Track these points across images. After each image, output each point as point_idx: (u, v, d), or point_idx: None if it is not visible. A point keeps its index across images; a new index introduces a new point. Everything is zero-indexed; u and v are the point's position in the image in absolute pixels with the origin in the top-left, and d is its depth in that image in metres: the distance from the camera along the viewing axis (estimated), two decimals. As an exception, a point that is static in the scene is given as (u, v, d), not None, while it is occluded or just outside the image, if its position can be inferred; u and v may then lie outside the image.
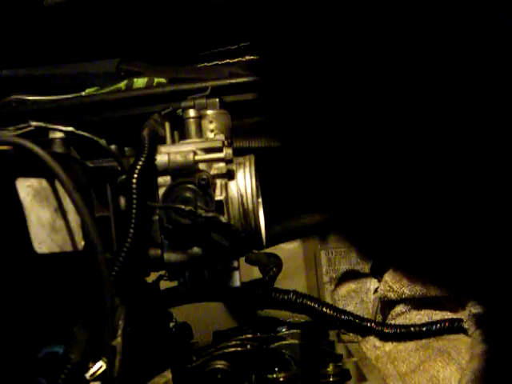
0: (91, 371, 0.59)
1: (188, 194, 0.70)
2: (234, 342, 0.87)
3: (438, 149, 0.37)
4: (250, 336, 0.90)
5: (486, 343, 0.86)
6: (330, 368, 0.83)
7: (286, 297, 0.95)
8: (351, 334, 1.01)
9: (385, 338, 1.00)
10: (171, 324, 0.93)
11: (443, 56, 0.34)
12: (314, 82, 0.39)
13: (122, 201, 0.73)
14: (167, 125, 0.81)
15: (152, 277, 0.84)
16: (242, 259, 0.88)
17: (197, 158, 0.74)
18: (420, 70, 0.34)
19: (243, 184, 0.76)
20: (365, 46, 0.36)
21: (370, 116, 0.39)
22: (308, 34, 0.37)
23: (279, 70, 0.40)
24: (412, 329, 0.99)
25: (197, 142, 0.77)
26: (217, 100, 0.83)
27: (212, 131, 0.81)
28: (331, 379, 0.82)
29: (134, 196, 0.68)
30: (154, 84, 1.05)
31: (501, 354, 0.81)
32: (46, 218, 0.60)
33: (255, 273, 0.99)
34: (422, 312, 1.06)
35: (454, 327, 0.97)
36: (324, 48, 0.37)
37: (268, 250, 1.00)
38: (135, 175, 0.69)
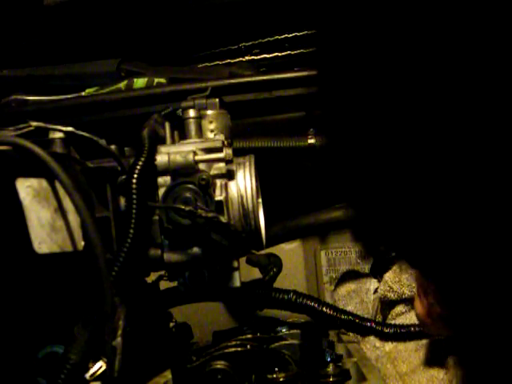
0: (91, 371, 0.59)
1: (188, 194, 0.70)
2: (234, 342, 0.86)
3: (441, 150, 0.37)
4: (249, 336, 0.90)
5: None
6: (330, 368, 0.83)
7: (286, 297, 0.95)
8: (351, 334, 1.01)
9: (385, 337, 1.00)
10: (171, 324, 0.93)
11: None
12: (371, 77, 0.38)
13: (122, 201, 0.73)
14: (167, 125, 0.81)
15: (152, 277, 0.84)
16: (242, 259, 0.88)
17: (197, 158, 0.74)
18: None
19: (243, 184, 0.76)
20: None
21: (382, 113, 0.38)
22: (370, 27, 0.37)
23: (341, 62, 0.40)
24: (412, 329, 0.99)
25: (197, 142, 0.77)
26: (217, 100, 0.83)
27: (212, 131, 0.81)
28: (331, 379, 0.82)
29: (134, 196, 0.68)
30: (154, 84, 1.05)
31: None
32: (46, 218, 0.60)
33: (255, 273, 0.99)
34: (422, 312, 1.06)
35: (454, 327, 0.97)
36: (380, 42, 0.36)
37: (268, 250, 1.00)
38: (135, 175, 0.69)
